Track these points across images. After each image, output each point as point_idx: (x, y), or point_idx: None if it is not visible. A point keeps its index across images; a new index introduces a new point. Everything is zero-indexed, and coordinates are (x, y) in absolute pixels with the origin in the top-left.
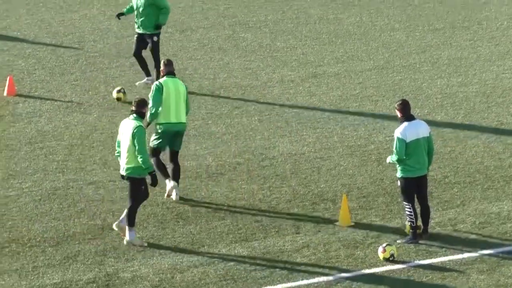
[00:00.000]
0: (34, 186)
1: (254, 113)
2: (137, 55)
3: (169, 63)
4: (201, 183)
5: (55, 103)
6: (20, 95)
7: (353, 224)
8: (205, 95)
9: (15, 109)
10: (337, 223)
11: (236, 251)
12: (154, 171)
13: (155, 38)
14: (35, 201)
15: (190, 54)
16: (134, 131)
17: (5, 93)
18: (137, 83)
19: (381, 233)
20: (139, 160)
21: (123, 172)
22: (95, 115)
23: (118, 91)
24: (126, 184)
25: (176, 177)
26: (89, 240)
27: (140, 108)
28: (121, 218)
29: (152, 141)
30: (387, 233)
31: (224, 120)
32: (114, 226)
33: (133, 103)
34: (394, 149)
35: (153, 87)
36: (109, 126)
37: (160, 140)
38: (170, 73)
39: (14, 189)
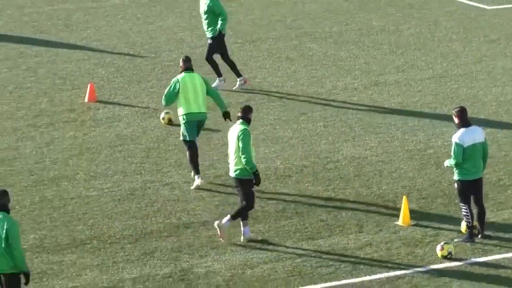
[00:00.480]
0: (114, 186)
1: (320, 119)
2: (207, 59)
3: (187, 60)
4: (269, 184)
5: (133, 109)
6: (100, 101)
7: (413, 223)
8: (273, 101)
9: (95, 115)
10: (397, 223)
11: (302, 249)
12: (257, 170)
13: (209, 41)
14: (114, 201)
15: (260, 63)
16: (240, 133)
17: (86, 100)
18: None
19: (439, 232)
20: (243, 160)
21: (232, 174)
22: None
23: (166, 113)
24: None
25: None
26: (165, 238)
27: (246, 114)
28: (224, 220)
29: (182, 135)
30: (445, 232)
31: (291, 126)
32: (215, 225)
33: (239, 110)
34: (452, 153)
35: (171, 83)
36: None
37: (187, 131)
38: (188, 68)
39: (95, 189)
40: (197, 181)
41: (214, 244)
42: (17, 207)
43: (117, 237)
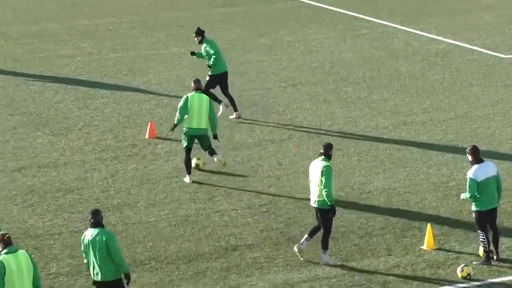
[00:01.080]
0: (170, 213)
1: (354, 154)
2: (224, 93)
3: (197, 81)
4: (308, 212)
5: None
6: (159, 138)
7: (436, 248)
8: (312, 139)
9: (155, 149)
10: (423, 247)
11: (337, 270)
12: (334, 204)
13: (207, 77)
14: (171, 226)
15: (300, 104)
16: (323, 169)
17: (147, 136)
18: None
19: (460, 256)
20: (324, 193)
21: (313, 204)
22: (220, 155)
23: (198, 159)
24: (243, 211)
25: (212, 152)
26: (215, 259)
27: (327, 151)
28: (301, 241)
29: (182, 141)
30: (465, 255)
31: None
32: (294, 249)
33: (321, 147)
34: (467, 187)
35: (182, 98)
36: (232, 164)
37: (186, 140)
38: (198, 89)
39: (153, 216)
40: (187, 179)
41: (258, 265)
42: (84, 231)
43: (173, 258)
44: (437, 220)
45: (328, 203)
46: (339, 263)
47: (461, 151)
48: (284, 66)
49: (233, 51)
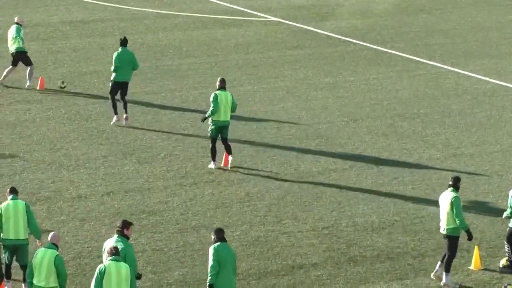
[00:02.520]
0: (242, 234)
1: (408, 183)
2: (122, 98)
3: (222, 81)
4: (367, 235)
5: (259, 172)
6: (233, 167)
7: (482, 268)
8: (371, 168)
9: (229, 177)
10: (470, 267)
11: (393, 287)
12: (469, 229)
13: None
14: (242, 246)
15: (361, 137)
16: (452, 199)
17: (222, 164)
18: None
19: (504, 276)
20: (457, 222)
21: (443, 231)
22: (288, 183)
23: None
24: (308, 233)
25: (228, 150)
26: (282, 276)
27: (455, 183)
28: (436, 268)
29: (209, 131)
30: (509, 275)
31: (386, 187)
32: (432, 276)
33: (450, 179)
34: (508, 205)
35: (212, 96)
36: (299, 190)
37: (213, 132)
38: (222, 87)
39: (227, 236)
40: (212, 165)
41: (321, 282)
42: (165, 249)
43: (244, 275)
44: (483, 243)
45: (464, 229)
46: (457, 287)
47: (505, 181)
48: (346, 103)
49: (301, 88)
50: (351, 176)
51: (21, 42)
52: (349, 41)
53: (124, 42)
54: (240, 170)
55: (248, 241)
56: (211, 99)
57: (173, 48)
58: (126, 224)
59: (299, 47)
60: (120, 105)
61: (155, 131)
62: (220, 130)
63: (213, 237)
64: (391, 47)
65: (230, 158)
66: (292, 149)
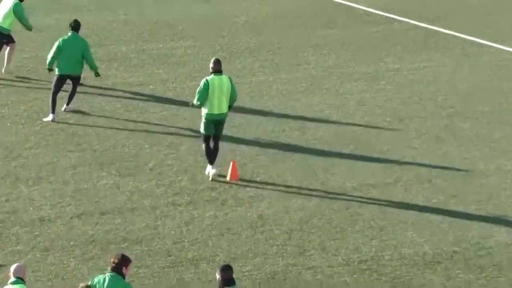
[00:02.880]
0: (254, 269)
1: (471, 202)
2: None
3: (217, 62)
4: (417, 271)
5: (276, 188)
6: (242, 180)
7: None
8: (422, 183)
9: (237, 194)
10: None
11: None
12: None
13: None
14: (255, 285)
15: (408, 142)
16: None
17: (228, 178)
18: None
19: None
20: None
21: None
22: (314, 202)
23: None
24: (340, 269)
25: (213, 158)
26: None
27: None
28: None
29: (201, 129)
30: None
31: (442, 209)
32: None
33: None
34: None
35: (202, 82)
36: (328, 212)
37: (206, 127)
38: (217, 71)
39: (235, 272)
40: (210, 171)
41: None
42: None
43: None
44: None
45: None
46: None
47: None
48: (389, 98)
49: (329, 80)
50: (396, 193)
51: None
52: (393, 18)
53: (75, 27)
54: (251, 184)
55: (262, 278)
56: (200, 87)
57: (165, 27)
58: (126, 261)
59: (328, 26)
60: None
61: (140, 132)
62: (214, 126)
63: (218, 277)
64: (447, 26)
65: (213, 170)
66: (318, 157)
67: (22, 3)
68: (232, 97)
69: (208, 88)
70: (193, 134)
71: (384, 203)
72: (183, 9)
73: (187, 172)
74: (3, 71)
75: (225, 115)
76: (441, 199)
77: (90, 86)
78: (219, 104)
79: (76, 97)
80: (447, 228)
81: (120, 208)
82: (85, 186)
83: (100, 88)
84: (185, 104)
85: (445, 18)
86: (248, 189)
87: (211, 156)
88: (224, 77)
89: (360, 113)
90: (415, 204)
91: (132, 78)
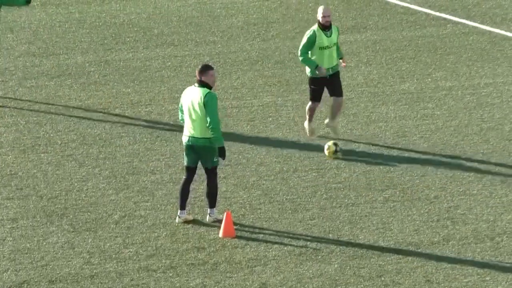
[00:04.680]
0: None
1: None
2: None
3: (201, 68)
4: None
5: (285, 248)
6: (240, 238)
7: None
8: (481, 242)
9: (232, 255)
10: None
11: None
12: None
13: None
14: None
15: (464, 187)
16: None
17: (220, 234)
18: None
19: None
20: None
21: None
22: (336, 265)
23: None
24: None
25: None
26: None
27: None
28: None
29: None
30: None
31: (508, 277)
32: None
33: None
34: None
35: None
36: (354, 281)
37: (184, 155)
38: (198, 81)
39: None
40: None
41: None
42: None
43: None
44: None
45: None
46: None
47: None
48: (439, 127)
49: (358, 102)
50: (447, 255)
51: None
52: (445, 19)
53: None
54: (252, 243)
55: None
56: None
57: (136, 30)
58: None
59: (356, 29)
60: None
61: (103, 175)
62: (195, 152)
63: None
64: None
65: (212, 211)
66: (341, 206)
67: None
68: (208, 121)
69: (180, 101)
70: (173, 175)
71: (430, 268)
72: (159, 6)
73: (165, 226)
74: None
75: (200, 141)
76: (508, 263)
77: (34, 111)
78: (190, 125)
79: (14, 124)
80: None
81: (75, 275)
82: (28, 246)
83: (48, 113)
84: (164, 134)
85: None
86: (247, 249)
87: (184, 197)
88: (199, 90)
89: (399, 147)
90: (473, 269)
91: (91, 100)
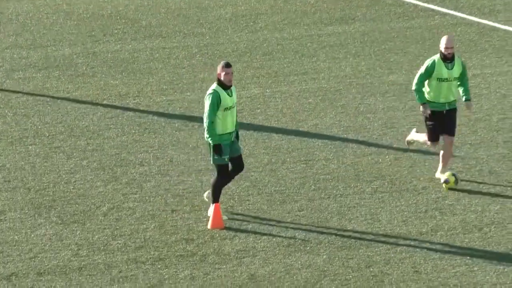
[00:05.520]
0: None
1: None
2: None
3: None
4: None
5: (273, 239)
6: (229, 229)
7: None
8: (470, 232)
9: (221, 247)
10: None
11: None
12: None
13: None
14: None
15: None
16: None
17: (209, 226)
18: None
19: None
20: None
21: None
22: (324, 256)
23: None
24: None
25: None
26: None
27: None
28: None
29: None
30: None
31: (495, 267)
32: None
33: None
34: None
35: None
36: (342, 271)
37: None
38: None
39: None
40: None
41: None
42: None
43: None
44: None
45: None
46: None
47: None
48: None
49: (346, 94)
50: (435, 245)
51: None
52: (433, 10)
53: None
54: (241, 235)
55: None
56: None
57: (124, 22)
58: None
59: (344, 20)
60: None
61: (91, 167)
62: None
63: None
64: (508, 21)
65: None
66: (329, 197)
67: None
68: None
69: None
70: (162, 167)
71: (418, 258)
72: None
73: (154, 218)
74: None
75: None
76: (496, 253)
77: (22, 103)
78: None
79: (2, 116)
80: None
81: (64, 267)
82: (16, 238)
83: (36, 104)
84: (153, 126)
85: (504, 11)
86: (236, 240)
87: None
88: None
89: (387, 138)
90: (461, 259)
91: (79, 92)
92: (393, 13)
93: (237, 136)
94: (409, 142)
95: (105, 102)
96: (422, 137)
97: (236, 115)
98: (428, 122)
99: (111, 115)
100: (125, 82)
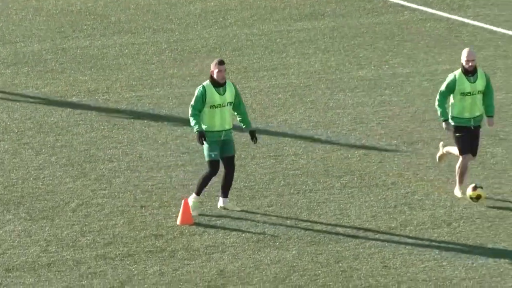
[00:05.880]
0: None
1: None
2: None
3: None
4: None
5: (242, 234)
6: (198, 224)
7: None
8: (438, 227)
9: (190, 243)
10: None
11: None
12: None
13: None
14: None
15: (422, 173)
16: None
17: (178, 222)
18: None
19: None
20: None
21: None
22: (293, 252)
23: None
24: None
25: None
26: None
27: None
28: None
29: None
30: None
31: (464, 262)
32: None
33: None
34: None
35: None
36: (311, 267)
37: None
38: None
39: None
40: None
41: None
42: None
43: None
44: None
45: None
46: None
47: None
48: (396, 113)
49: (315, 89)
50: (404, 240)
51: None
52: (402, 6)
53: None
54: (209, 230)
55: None
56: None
57: (93, 18)
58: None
59: (314, 16)
60: None
61: (60, 163)
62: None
63: None
64: (477, 17)
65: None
66: (298, 193)
67: None
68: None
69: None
70: (131, 163)
71: (387, 253)
72: None
73: (123, 214)
74: None
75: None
76: (465, 248)
77: None
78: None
79: None
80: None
81: (32, 263)
82: None
83: (5, 100)
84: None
85: (473, 6)
86: (205, 236)
87: (222, 185)
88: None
89: (356, 134)
90: (430, 254)
91: (48, 88)
92: (362, 9)
93: (253, 137)
94: (440, 158)
95: (74, 98)
96: (454, 149)
97: (244, 114)
98: (456, 134)
99: (80, 111)
100: (94, 78)
